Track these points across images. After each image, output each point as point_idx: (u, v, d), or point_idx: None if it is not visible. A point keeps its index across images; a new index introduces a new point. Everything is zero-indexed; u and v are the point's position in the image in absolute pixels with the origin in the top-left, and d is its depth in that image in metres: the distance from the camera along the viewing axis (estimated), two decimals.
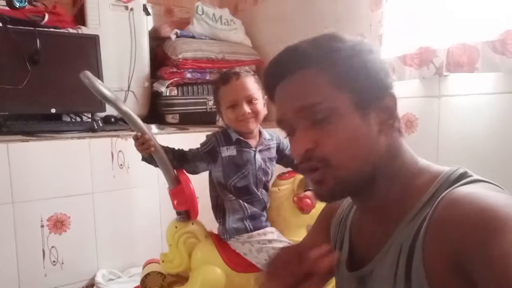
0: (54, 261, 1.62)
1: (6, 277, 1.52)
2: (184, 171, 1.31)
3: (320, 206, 1.26)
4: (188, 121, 2.25)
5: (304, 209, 1.31)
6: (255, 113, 1.26)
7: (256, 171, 1.30)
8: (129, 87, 2.14)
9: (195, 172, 1.32)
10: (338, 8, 1.93)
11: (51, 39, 1.90)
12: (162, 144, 1.27)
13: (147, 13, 2.22)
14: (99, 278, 1.65)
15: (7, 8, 1.83)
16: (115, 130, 1.91)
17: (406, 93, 1.56)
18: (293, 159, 1.12)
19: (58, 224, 1.61)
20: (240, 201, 1.29)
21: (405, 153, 0.60)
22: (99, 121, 1.94)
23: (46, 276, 1.60)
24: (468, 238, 0.45)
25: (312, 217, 1.28)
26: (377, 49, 0.61)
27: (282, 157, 1.39)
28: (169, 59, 2.21)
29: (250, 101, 1.25)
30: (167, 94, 2.21)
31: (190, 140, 1.44)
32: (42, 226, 1.58)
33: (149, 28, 2.33)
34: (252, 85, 1.26)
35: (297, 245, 0.70)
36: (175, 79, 2.20)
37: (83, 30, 2.03)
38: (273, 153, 1.37)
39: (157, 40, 2.37)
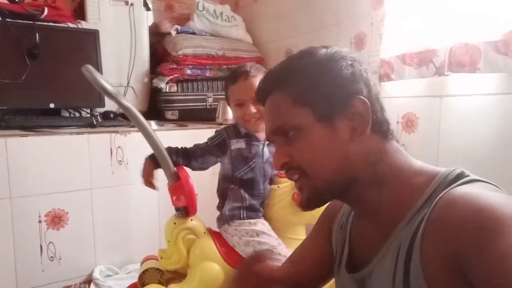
0: (51, 257, 1.61)
1: (3, 273, 1.52)
2: (191, 168, 1.32)
3: None
4: (187, 117, 2.25)
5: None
6: (261, 114, 1.27)
7: (263, 164, 1.32)
8: (128, 82, 2.13)
9: (202, 168, 1.33)
10: (339, 5, 1.92)
11: (51, 33, 1.89)
12: (162, 141, 1.27)
13: (147, 9, 2.22)
14: (96, 274, 1.65)
15: (6, 1, 1.82)
16: (114, 126, 1.90)
17: (407, 93, 1.55)
18: None
19: (56, 219, 1.61)
20: (242, 191, 1.31)
21: (392, 156, 0.60)
22: (98, 117, 1.94)
23: (44, 271, 1.60)
24: (466, 240, 0.45)
25: (312, 216, 1.28)
26: (351, 56, 0.62)
27: None
28: (169, 55, 2.21)
29: (256, 101, 1.25)
30: (167, 90, 2.20)
31: (189, 136, 1.44)
32: (40, 221, 1.58)
33: (149, 24, 2.32)
34: None
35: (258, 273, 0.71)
36: (175, 75, 2.19)
37: (83, 24, 2.01)
38: None
39: (157, 36, 2.36)
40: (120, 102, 1.14)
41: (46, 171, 1.58)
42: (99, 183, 1.69)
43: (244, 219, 1.30)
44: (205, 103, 2.27)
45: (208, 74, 2.28)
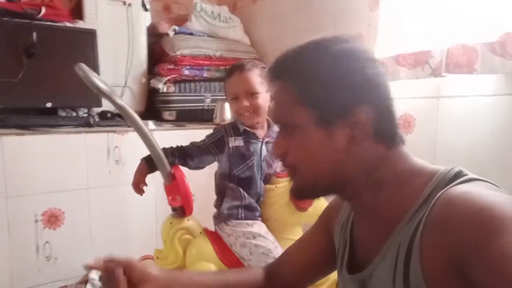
0: (47, 257, 1.61)
1: None
2: (188, 168, 1.31)
3: (317, 205, 1.27)
4: (185, 118, 2.24)
5: (300, 207, 1.31)
6: (255, 107, 1.27)
7: (261, 161, 1.32)
8: (125, 83, 2.13)
9: (199, 167, 1.33)
10: (337, 6, 1.92)
11: (48, 32, 1.88)
12: (159, 142, 1.26)
13: (145, 9, 2.21)
14: (93, 275, 1.64)
15: (3, 0, 1.81)
16: (111, 126, 1.89)
17: (404, 94, 1.56)
18: None
19: (52, 219, 1.60)
20: (241, 189, 1.31)
21: (394, 162, 0.59)
22: (95, 116, 1.93)
23: (40, 271, 1.59)
24: (465, 240, 0.45)
25: (309, 216, 1.29)
26: (365, 56, 0.58)
27: None
28: (167, 56, 2.20)
29: (250, 95, 1.26)
30: (164, 90, 2.20)
31: (187, 137, 1.43)
32: (36, 221, 1.57)
33: (147, 24, 2.32)
34: (254, 78, 1.26)
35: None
36: (172, 75, 2.19)
37: (80, 24, 2.01)
38: None
39: (155, 36, 2.36)
40: (114, 101, 1.13)
41: (43, 171, 1.57)
42: (96, 182, 1.69)
43: (242, 219, 1.29)
44: (202, 104, 2.27)
45: (205, 74, 2.28)
